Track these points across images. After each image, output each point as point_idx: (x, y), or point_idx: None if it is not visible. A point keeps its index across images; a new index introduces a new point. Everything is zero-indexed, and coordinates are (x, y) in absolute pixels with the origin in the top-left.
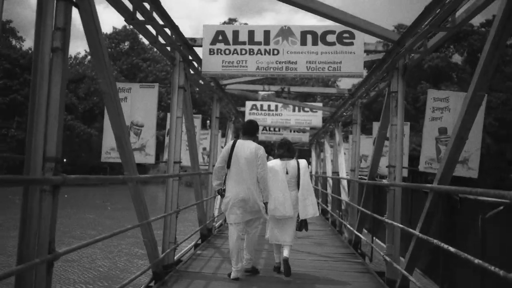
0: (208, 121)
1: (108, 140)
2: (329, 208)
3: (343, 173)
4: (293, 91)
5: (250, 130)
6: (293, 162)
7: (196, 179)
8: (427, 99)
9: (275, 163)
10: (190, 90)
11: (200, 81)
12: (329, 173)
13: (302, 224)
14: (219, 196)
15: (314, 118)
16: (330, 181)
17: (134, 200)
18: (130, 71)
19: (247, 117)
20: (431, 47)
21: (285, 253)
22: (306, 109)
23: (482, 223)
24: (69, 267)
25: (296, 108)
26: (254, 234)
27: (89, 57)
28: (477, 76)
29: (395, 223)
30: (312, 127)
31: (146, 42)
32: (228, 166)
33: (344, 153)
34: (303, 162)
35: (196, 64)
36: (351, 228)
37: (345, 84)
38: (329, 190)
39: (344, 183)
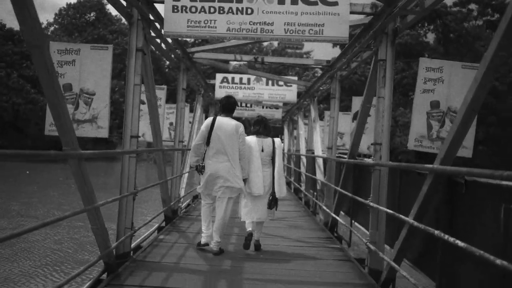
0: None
1: None
2: (302, 188)
3: (318, 151)
4: (267, 62)
5: (229, 107)
6: (268, 140)
7: (159, 156)
8: (418, 69)
9: (250, 139)
10: (159, 63)
11: (163, 46)
12: (302, 151)
13: (272, 203)
14: (186, 175)
15: (289, 92)
16: (303, 159)
17: (76, 181)
18: (96, 43)
19: (217, 90)
20: (430, 6)
21: (256, 235)
22: (280, 83)
23: (505, 213)
24: (33, 248)
25: (270, 82)
26: (225, 215)
27: (52, 27)
28: (501, 32)
29: (381, 208)
30: (286, 103)
31: (114, 13)
32: (208, 144)
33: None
34: (278, 140)
35: (158, 26)
36: (328, 210)
37: (320, 56)
38: (302, 169)
39: (320, 161)
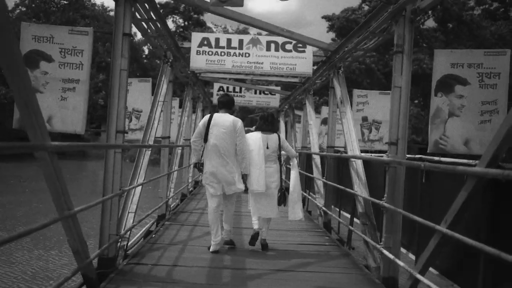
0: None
1: None
2: (319, 202)
3: (354, 149)
4: None
5: (227, 104)
6: (274, 136)
7: (45, 161)
8: None
9: (255, 135)
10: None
11: None
12: (315, 148)
13: (281, 199)
14: (138, 188)
15: (301, 61)
16: (317, 160)
17: None
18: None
19: (194, 58)
20: None
21: (263, 234)
22: (288, 46)
23: None
24: None
25: (272, 46)
26: (231, 207)
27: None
28: None
29: None
30: (293, 80)
31: None
32: (206, 140)
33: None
34: (282, 136)
35: None
36: (402, 265)
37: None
38: (316, 174)
39: (357, 165)
